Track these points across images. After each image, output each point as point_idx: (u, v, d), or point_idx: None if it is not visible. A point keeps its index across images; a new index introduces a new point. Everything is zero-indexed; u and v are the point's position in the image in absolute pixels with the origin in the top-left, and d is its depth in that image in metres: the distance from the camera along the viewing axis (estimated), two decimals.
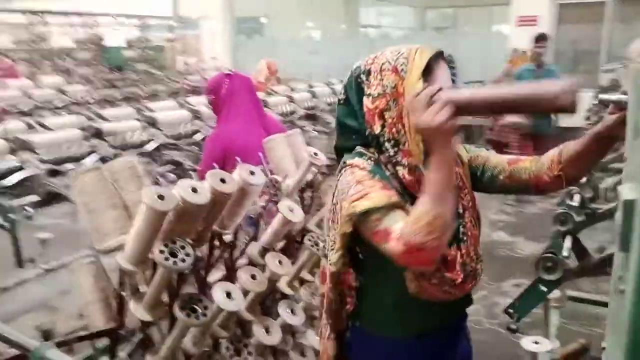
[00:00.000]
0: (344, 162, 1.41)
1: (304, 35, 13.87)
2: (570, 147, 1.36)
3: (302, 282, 2.35)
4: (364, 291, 1.47)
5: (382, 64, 1.38)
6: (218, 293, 1.76)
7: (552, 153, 1.40)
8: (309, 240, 2.24)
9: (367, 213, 1.26)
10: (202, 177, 2.23)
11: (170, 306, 1.78)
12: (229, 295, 1.78)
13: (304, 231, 2.40)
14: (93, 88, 8.32)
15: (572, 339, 2.44)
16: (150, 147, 4.49)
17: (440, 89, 1.21)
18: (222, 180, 1.85)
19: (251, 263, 2.17)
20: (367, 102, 1.37)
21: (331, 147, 1.55)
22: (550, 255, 2.06)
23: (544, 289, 2.11)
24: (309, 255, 2.25)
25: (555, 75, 5.51)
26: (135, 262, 1.70)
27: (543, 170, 1.39)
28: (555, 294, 2.26)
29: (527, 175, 1.41)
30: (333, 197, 1.42)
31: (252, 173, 1.98)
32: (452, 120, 1.16)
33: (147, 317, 1.78)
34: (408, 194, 1.34)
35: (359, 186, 1.29)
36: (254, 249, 2.18)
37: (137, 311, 1.77)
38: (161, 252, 1.65)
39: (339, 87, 5.77)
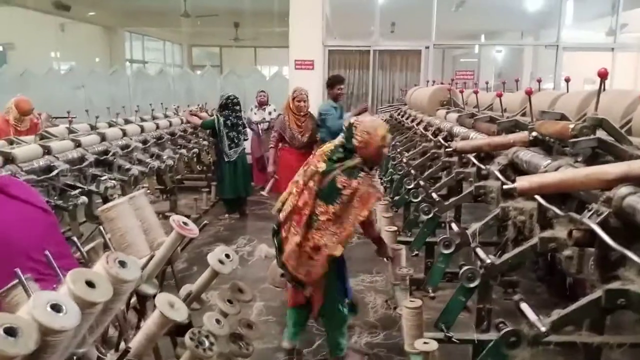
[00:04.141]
0: (362, 168, 2.91)
1: (63, 68, 12.23)
2: None
3: None
4: None
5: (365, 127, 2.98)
6: None
7: None
8: (192, 338, 1.71)
9: None
10: None
11: None
12: None
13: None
14: None
15: None
16: None
17: None
18: (90, 284, 1.25)
19: None
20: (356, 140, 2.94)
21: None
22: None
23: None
24: (190, 359, 1.72)
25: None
26: None
27: None
28: None
29: None
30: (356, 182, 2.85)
31: (122, 264, 1.41)
32: None
33: None
34: None
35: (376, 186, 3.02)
36: None
37: None
38: None
39: (130, 128, 5.04)
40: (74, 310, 1.16)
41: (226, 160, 6.68)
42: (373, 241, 3.24)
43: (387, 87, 9.58)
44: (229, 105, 6.67)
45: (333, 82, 5.96)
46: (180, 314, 1.56)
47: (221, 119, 6.61)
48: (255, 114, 8.33)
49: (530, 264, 4.28)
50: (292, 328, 3.37)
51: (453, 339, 2.19)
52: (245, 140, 6.94)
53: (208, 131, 7.05)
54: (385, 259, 3.44)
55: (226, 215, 6.92)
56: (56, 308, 1.13)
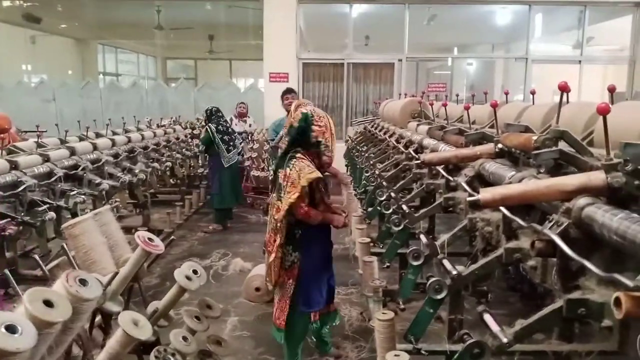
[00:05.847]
0: (293, 155, 2.98)
1: (34, 81, 12.05)
2: None
3: None
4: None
5: (320, 114, 3.08)
6: None
7: None
8: (157, 356, 1.68)
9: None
10: None
11: None
12: None
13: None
14: None
15: None
16: None
17: None
18: (48, 303, 1.23)
19: None
20: (316, 127, 3.01)
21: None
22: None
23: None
24: None
25: None
26: None
27: None
28: None
29: None
30: (289, 169, 2.95)
31: (82, 282, 1.39)
32: None
33: None
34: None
35: (309, 167, 2.94)
36: None
37: None
38: None
39: (101, 142, 4.96)
40: (31, 331, 1.13)
41: (226, 165, 6.77)
42: (320, 221, 3.11)
43: (361, 99, 9.69)
44: (214, 114, 6.87)
45: (282, 95, 5.95)
46: (144, 332, 1.54)
47: (213, 126, 6.75)
48: (236, 124, 8.37)
49: (502, 273, 4.33)
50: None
51: (422, 351, 2.20)
52: (240, 143, 7.10)
53: (203, 147, 7.07)
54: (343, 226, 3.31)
55: (211, 227, 6.89)
56: (11, 329, 1.10)
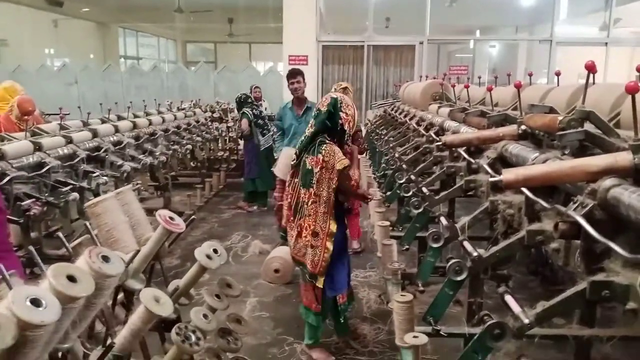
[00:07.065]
0: (323, 140, 3.02)
1: (57, 65, 12.19)
2: None
3: None
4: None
5: (348, 102, 3.12)
6: None
7: None
8: (178, 333, 1.70)
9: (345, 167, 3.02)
10: None
11: None
12: None
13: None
14: None
15: None
16: None
17: None
18: (71, 279, 1.24)
19: None
20: (343, 115, 3.04)
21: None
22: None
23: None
24: (177, 354, 1.71)
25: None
26: None
27: None
28: None
29: None
30: (321, 155, 2.98)
31: (105, 259, 1.40)
32: None
33: None
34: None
35: (340, 154, 2.99)
36: None
37: None
38: None
39: (123, 125, 5.00)
40: (54, 305, 1.15)
41: (261, 149, 6.84)
42: (354, 197, 3.37)
43: (381, 82, 9.60)
44: (244, 100, 6.96)
45: (287, 78, 5.45)
46: (165, 308, 1.56)
47: (249, 111, 6.83)
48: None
49: (522, 258, 4.29)
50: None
51: (441, 332, 2.19)
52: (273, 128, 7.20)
53: (240, 134, 7.15)
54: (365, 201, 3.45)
55: (255, 207, 7.02)
56: (36, 302, 1.12)
